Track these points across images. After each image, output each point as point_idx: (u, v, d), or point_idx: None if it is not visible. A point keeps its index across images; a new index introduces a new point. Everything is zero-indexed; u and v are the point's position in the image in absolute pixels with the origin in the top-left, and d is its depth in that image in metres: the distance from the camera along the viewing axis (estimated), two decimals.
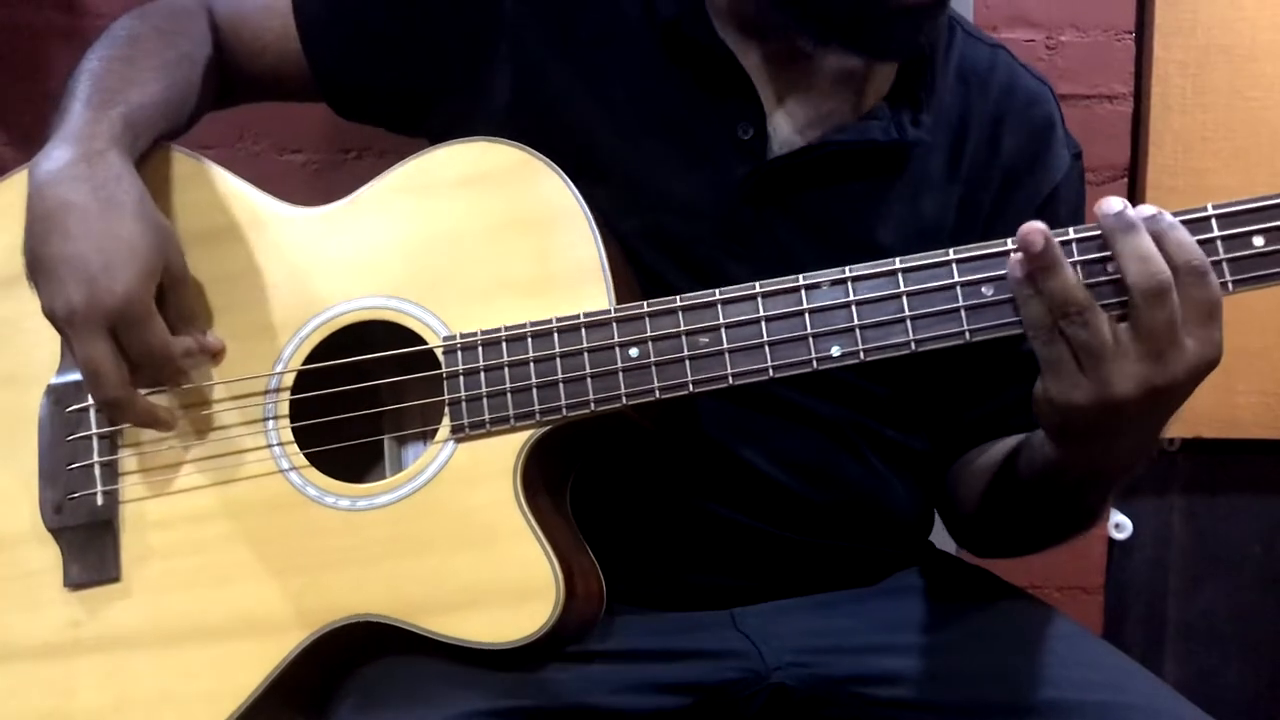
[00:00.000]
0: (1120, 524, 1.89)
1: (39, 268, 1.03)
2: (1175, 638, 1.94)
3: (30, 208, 1.03)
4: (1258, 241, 0.90)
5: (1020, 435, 1.11)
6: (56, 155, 1.04)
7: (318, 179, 1.70)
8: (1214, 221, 0.91)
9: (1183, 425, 1.84)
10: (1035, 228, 0.89)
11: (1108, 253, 0.90)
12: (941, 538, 1.30)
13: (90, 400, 1.09)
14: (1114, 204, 0.89)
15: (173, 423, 1.08)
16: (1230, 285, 0.90)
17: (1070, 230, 0.92)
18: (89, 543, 1.09)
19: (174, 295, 1.06)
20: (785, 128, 1.14)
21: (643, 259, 1.12)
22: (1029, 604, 1.20)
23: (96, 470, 1.09)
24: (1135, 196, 1.79)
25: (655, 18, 1.14)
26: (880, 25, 1.06)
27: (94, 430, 1.10)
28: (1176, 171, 1.77)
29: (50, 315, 1.02)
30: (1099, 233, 0.91)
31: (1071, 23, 1.75)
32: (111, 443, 1.10)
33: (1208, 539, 1.93)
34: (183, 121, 1.17)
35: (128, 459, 1.10)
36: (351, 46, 1.20)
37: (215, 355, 1.09)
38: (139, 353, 1.02)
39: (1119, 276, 0.89)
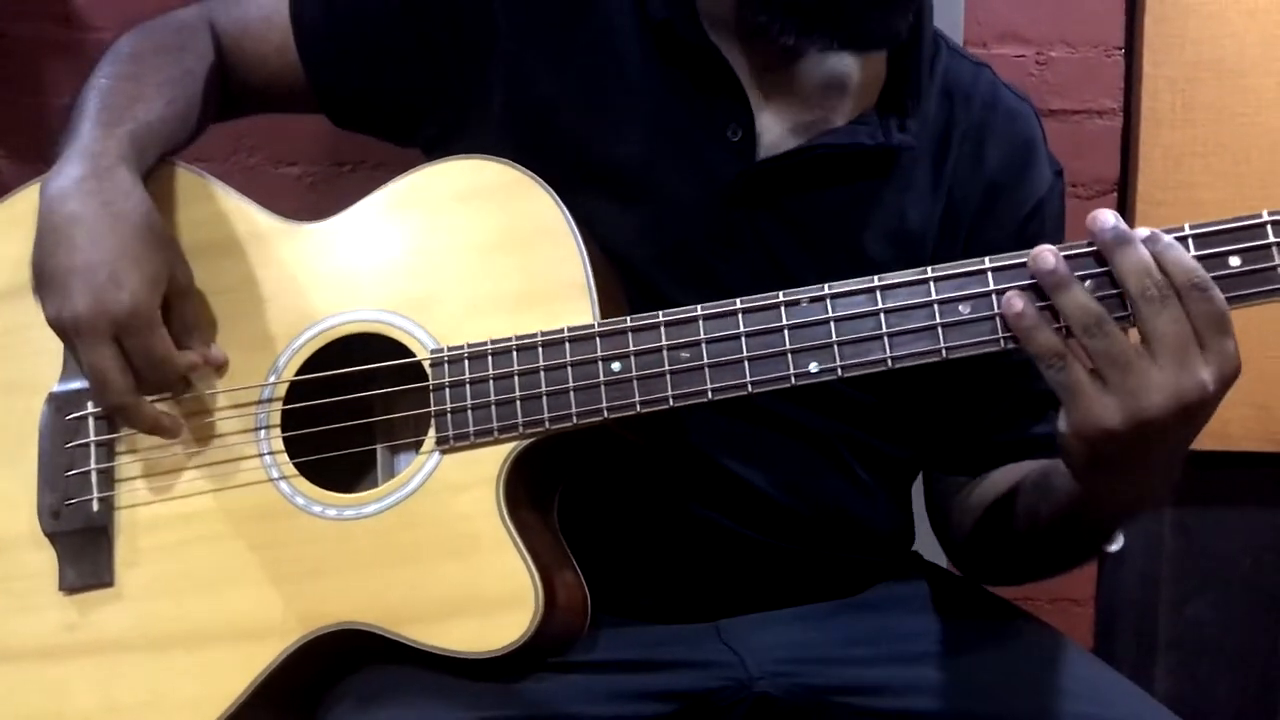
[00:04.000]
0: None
1: (46, 280, 1.05)
2: (1166, 650, 1.95)
3: (40, 222, 1.06)
4: (1234, 262, 0.90)
5: (1021, 470, 1.12)
6: (67, 171, 1.07)
7: (312, 192, 1.71)
8: (1190, 241, 0.91)
9: None
10: (1045, 248, 0.90)
11: (1103, 268, 0.90)
12: (929, 549, 1.31)
13: (90, 409, 1.11)
14: (1108, 218, 0.89)
15: (177, 430, 1.10)
16: None
17: (1063, 247, 0.92)
18: (84, 548, 1.11)
19: (178, 307, 1.08)
20: (773, 130, 1.15)
21: (633, 260, 1.13)
22: (1013, 615, 1.21)
23: (93, 477, 1.11)
24: (1125, 211, 1.79)
25: (647, 20, 1.15)
26: (856, 13, 1.07)
27: (92, 438, 1.12)
28: (1166, 186, 1.78)
29: (56, 323, 1.05)
30: (1092, 248, 0.90)
31: (1061, 39, 1.76)
32: (109, 450, 1.12)
33: (1198, 551, 1.93)
34: (186, 136, 1.19)
35: (124, 466, 1.12)
36: (348, 58, 1.21)
37: (218, 368, 1.11)
38: (143, 360, 1.04)
39: (1118, 291, 0.89)
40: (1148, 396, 0.86)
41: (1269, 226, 0.90)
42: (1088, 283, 0.90)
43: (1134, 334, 0.89)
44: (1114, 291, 0.90)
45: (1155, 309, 0.86)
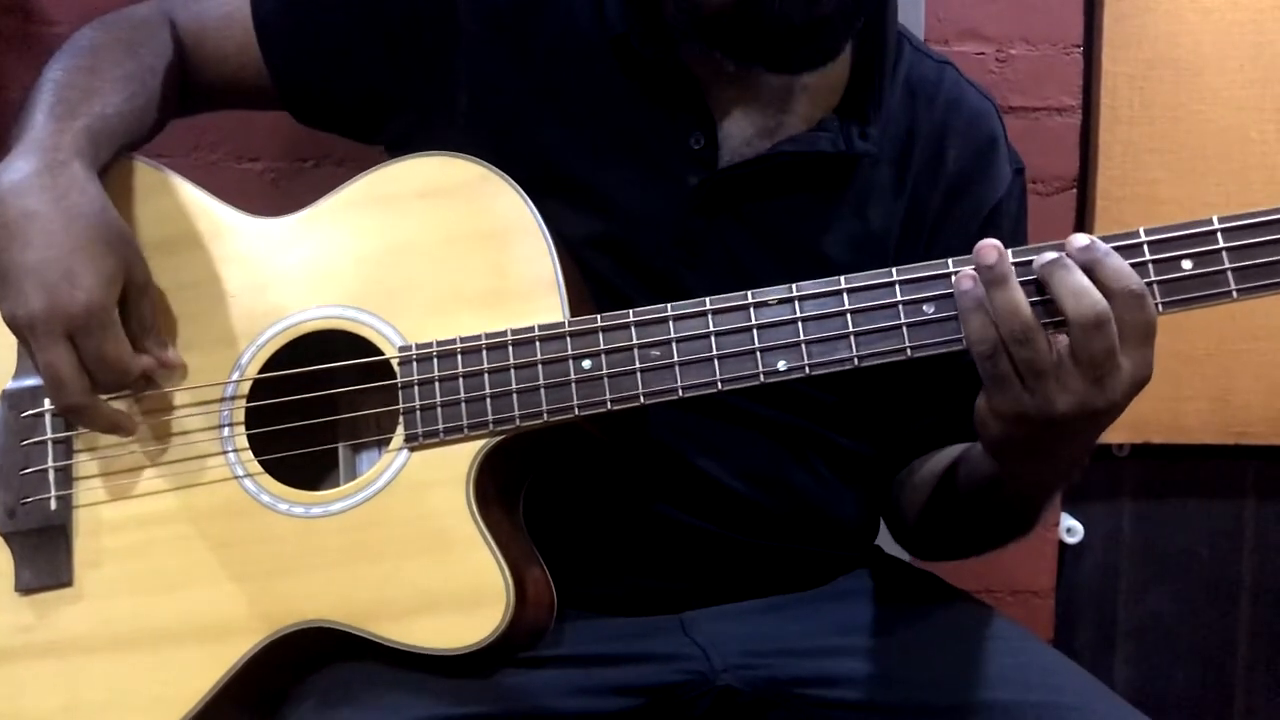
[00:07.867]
0: (1071, 528, 1.91)
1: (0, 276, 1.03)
2: (1125, 639, 1.97)
3: None
4: (1186, 265, 0.93)
5: (961, 446, 1.13)
6: (19, 165, 1.04)
7: (275, 188, 1.70)
8: (1145, 246, 0.94)
9: (1132, 431, 1.86)
10: (990, 243, 0.93)
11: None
12: (890, 542, 1.32)
13: (46, 405, 1.10)
14: (1048, 255, 0.93)
15: (133, 428, 1.08)
16: (1160, 307, 0.93)
17: (1015, 251, 0.94)
18: (41, 547, 1.09)
19: (136, 304, 1.07)
20: (735, 138, 1.16)
21: (597, 268, 1.13)
22: (972, 606, 1.22)
23: (50, 475, 1.10)
24: (1085, 207, 1.81)
25: (607, 32, 1.15)
26: (779, 44, 1.08)
27: (49, 435, 1.10)
28: (1125, 182, 1.80)
29: (10, 321, 1.03)
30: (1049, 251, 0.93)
31: (1021, 36, 1.78)
32: (66, 448, 1.11)
33: (1157, 542, 1.95)
34: (145, 131, 1.17)
35: (82, 464, 1.11)
36: (310, 57, 1.21)
37: (175, 369, 1.09)
38: (96, 360, 1.02)
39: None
40: (1061, 403, 0.92)
41: (1219, 233, 0.93)
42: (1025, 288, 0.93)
43: None
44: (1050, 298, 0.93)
45: (1088, 332, 0.90)
